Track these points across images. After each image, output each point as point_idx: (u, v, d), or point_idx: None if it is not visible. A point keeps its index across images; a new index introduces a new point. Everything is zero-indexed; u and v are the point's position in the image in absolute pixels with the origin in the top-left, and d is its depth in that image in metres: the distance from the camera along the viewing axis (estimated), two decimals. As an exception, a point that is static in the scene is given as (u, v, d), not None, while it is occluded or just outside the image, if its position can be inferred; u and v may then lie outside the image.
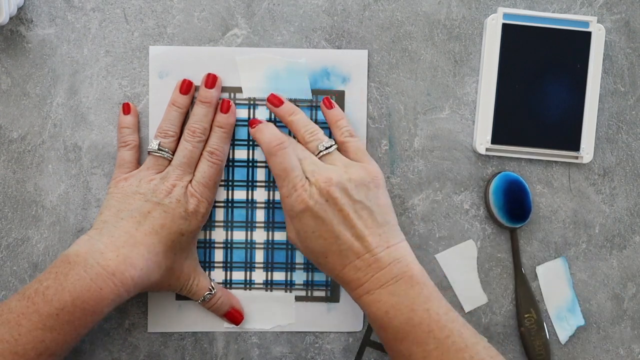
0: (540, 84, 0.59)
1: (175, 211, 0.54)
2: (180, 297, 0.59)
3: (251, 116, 0.60)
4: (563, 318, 0.61)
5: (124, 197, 0.55)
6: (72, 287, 0.49)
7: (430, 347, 0.49)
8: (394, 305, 0.51)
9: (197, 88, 0.59)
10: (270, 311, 0.60)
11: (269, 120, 0.59)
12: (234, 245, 0.60)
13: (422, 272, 0.53)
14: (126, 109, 0.58)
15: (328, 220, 0.52)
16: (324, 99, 0.58)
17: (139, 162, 0.58)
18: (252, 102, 0.59)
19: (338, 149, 0.57)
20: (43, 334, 0.48)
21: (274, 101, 0.58)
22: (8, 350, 0.48)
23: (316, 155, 0.56)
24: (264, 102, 0.59)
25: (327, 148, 0.56)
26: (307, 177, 0.54)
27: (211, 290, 0.58)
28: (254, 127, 0.57)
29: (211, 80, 0.58)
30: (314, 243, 0.53)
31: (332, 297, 0.60)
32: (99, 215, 0.55)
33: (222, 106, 0.58)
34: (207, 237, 0.60)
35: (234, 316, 0.59)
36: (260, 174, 0.60)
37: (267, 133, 0.56)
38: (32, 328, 0.48)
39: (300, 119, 0.57)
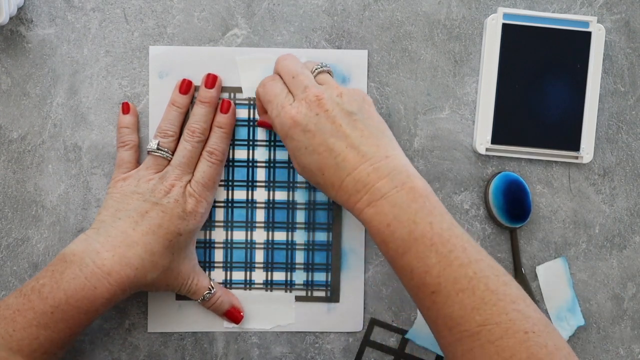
0: (540, 84, 0.59)
1: (173, 211, 0.54)
2: (180, 297, 0.59)
3: (251, 116, 0.60)
4: (563, 318, 0.61)
5: (123, 197, 0.55)
6: (66, 286, 0.49)
7: (432, 262, 0.47)
8: (395, 217, 0.48)
9: (197, 88, 0.59)
10: (270, 311, 0.60)
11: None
12: (234, 245, 0.60)
13: (425, 185, 0.50)
14: (125, 108, 0.58)
15: (319, 133, 0.51)
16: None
17: (138, 162, 0.58)
18: (252, 102, 0.59)
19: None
20: (37, 331, 0.49)
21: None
22: (2, 346, 0.48)
23: (312, 73, 0.54)
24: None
25: (323, 67, 0.55)
26: (297, 95, 0.52)
27: (211, 290, 0.58)
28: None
29: (211, 80, 0.58)
30: (308, 160, 0.51)
31: (332, 297, 0.60)
32: (98, 215, 0.55)
33: (222, 106, 0.58)
34: (207, 237, 0.60)
35: (234, 315, 0.59)
36: (260, 174, 0.60)
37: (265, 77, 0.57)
38: (27, 325, 0.49)
39: (287, 62, 0.56)
